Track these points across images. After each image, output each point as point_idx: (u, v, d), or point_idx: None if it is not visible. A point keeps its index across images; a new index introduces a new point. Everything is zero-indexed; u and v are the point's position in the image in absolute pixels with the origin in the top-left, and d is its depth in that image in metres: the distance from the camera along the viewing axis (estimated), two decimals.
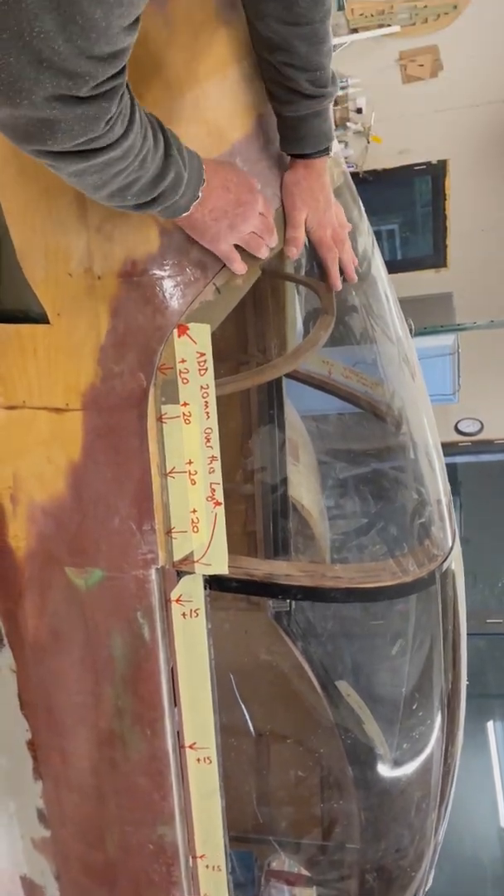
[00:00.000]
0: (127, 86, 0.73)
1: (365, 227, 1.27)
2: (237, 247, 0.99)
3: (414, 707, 1.28)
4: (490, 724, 3.85)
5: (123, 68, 0.69)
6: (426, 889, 1.38)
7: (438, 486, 1.30)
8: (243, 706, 1.52)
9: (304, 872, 1.50)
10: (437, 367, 4.58)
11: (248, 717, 1.51)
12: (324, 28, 0.92)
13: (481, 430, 5.00)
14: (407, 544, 1.23)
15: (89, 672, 1.10)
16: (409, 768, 1.30)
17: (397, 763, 1.32)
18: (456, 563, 1.27)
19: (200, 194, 0.91)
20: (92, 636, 1.08)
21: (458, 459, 4.94)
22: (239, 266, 0.99)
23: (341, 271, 1.14)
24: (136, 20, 0.65)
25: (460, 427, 4.99)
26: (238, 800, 1.15)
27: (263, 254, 1.01)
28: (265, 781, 1.55)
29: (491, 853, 3.45)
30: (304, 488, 1.67)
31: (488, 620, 4.03)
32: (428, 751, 1.27)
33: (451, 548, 1.24)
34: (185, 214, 0.92)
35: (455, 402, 4.84)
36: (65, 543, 1.05)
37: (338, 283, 1.12)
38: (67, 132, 0.68)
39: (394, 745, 1.32)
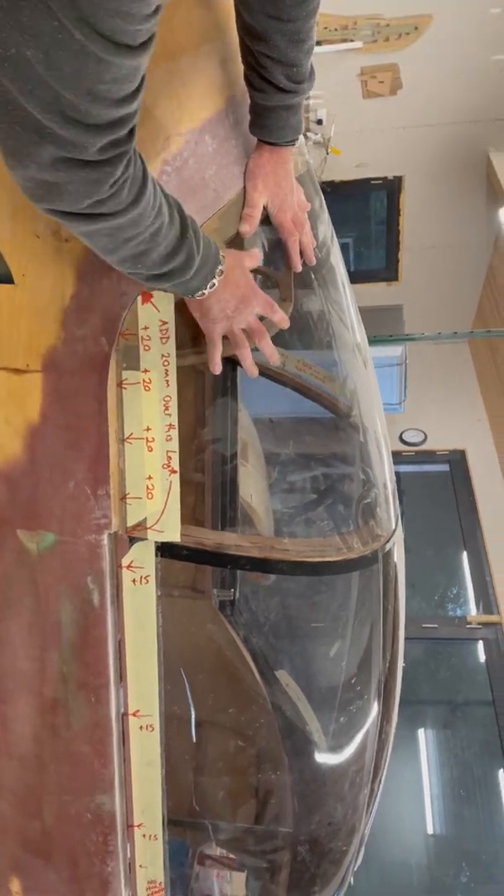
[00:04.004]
0: (140, 157, 0.78)
1: (325, 216, 1.31)
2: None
3: (352, 682, 1.32)
4: (421, 732, 3.92)
5: (130, 135, 0.72)
6: (356, 865, 1.42)
7: (385, 470, 1.35)
8: (184, 690, 1.54)
9: (234, 857, 1.52)
10: (384, 377, 4.68)
11: (189, 700, 1.53)
12: (307, 26, 0.95)
13: (425, 440, 5.12)
14: (353, 523, 1.27)
15: (36, 637, 1.10)
16: (344, 743, 1.33)
17: (334, 738, 1.36)
18: (398, 546, 1.32)
19: (217, 282, 0.97)
20: (41, 601, 1.08)
21: (402, 469, 5.05)
22: (216, 365, 1.07)
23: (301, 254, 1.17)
24: (138, 88, 0.68)
25: (405, 437, 5.10)
26: (172, 783, 1.17)
27: (248, 362, 1.09)
28: (201, 762, 1.56)
29: (418, 859, 3.51)
30: (252, 488, 1.70)
31: (424, 625, 4.12)
32: (364, 727, 1.31)
33: (395, 530, 1.29)
34: (199, 297, 0.98)
35: (401, 411, 4.95)
36: (18, 506, 1.05)
37: (298, 265, 1.16)
38: (73, 194, 0.72)
39: (331, 722, 1.36)
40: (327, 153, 4.91)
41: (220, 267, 0.97)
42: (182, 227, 0.89)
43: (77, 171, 0.70)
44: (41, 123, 0.65)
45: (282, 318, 1.09)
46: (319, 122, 4.92)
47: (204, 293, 0.98)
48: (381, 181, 5.22)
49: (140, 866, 1.19)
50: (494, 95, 4.66)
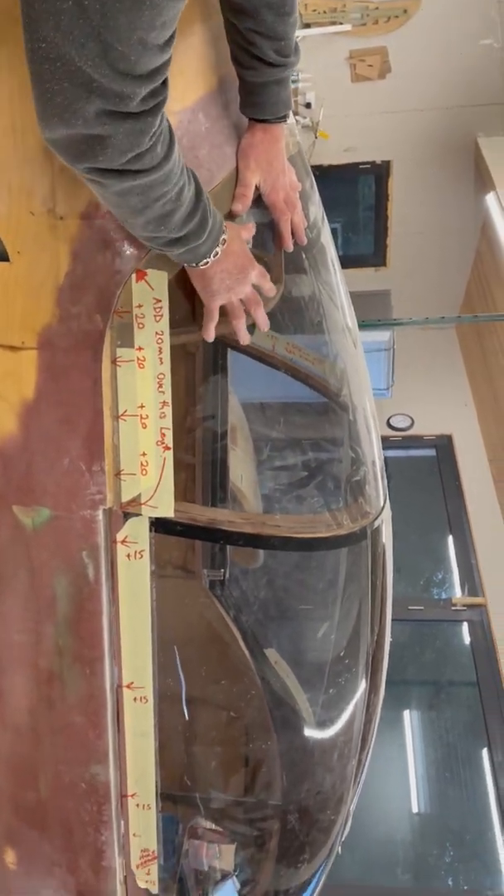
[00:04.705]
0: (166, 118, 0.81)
1: (316, 198, 1.32)
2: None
3: (341, 655, 1.35)
4: (406, 713, 3.97)
5: (165, 82, 0.75)
6: (344, 835, 1.46)
7: (374, 448, 1.38)
8: (176, 666, 1.56)
9: (224, 829, 1.55)
10: (372, 362, 4.70)
11: (180, 676, 1.56)
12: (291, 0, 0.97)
13: (412, 425, 5.15)
14: (342, 500, 1.29)
15: (32, 611, 1.12)
16: (333, 715, 1.36)
17: (323, 709, 1.39)
18: (386, 523, 1.35)
19: (219, 251, 1.00)
20: (36, 575, 1.10)
21: (389, 454, 5.08)
22: (209, 333, 1.09)
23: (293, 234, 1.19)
24: (172, 35, 0.71)
25: (392, 422, 5.13)
26: (163, 757, 1.20)
27: (242, 332, 1.11)
28: (191, 736, 1.59)
29: (403, 837, 3.57)
30: (241, 471, 1.72)
31: (410, 607, 4.17)
32: (352, 700, 1.34)
33: (383, 507, 1.31)
34: (202, 266, 1.00)
35: (388, 397, 4.98)
36: (13, 482, 1.07)
37: (289, 245, 1.17)
38: (116, 147, 0.75)
39: (321, 694, 1.39)
40: (315, 137, 4.90)
41: (223, 236, 1.00)
42: (197, 187, 0.92)
43: (121, 123, 0.73)
44: (90, 77, 0.68)
45: (271, 288, 1.12)
46: (308, 105, 4.90)
47: (208, 261, 1.00)
48: (369, 165, 5.21)
49: (133, 835, 1.22)
50: (483, 80, 4.67)
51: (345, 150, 5.12)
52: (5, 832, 1.28)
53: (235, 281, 1.05)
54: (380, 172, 5.24)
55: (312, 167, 1.38)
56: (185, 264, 1.02)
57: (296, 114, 4.92)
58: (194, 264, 1.00)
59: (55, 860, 1.26)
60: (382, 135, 4.99)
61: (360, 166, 5.22)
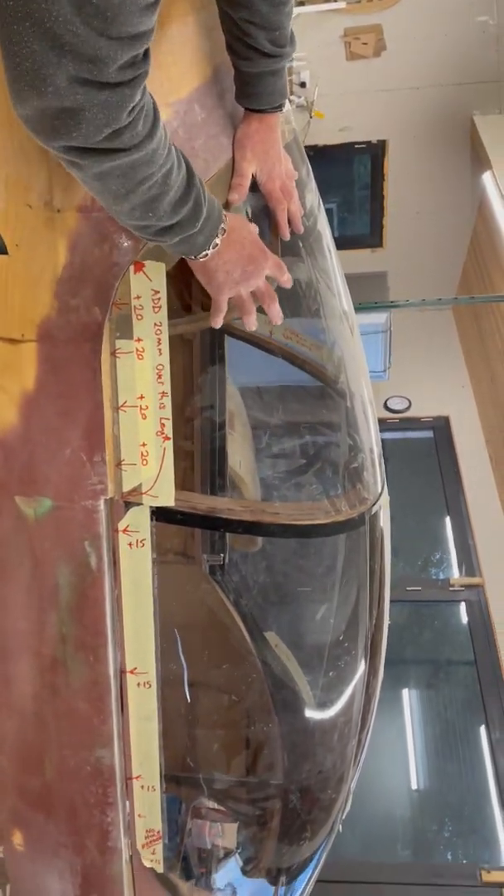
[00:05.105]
0: (150, 94, 0.76)
1: (312, 185, 1.33)
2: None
3: (340, 639, 1.37)
4: (405, 691, 4.01)
5: (146, 56, 0.70)
6: (345, 814, 1.49)
7: (371, 435, 1.39)
8: (177, 650, 1.58)
9: (227, 808, 1.59)
10: (368, 344, 4.69)
11: (182, 660, 1.58)
12: None
13: (409, 407, 5.17)
14: (340, 487, 1.31)
15: (35, 599, 1.13)
16: (333, 696, 1.39)
17: (323, 692, 1.41)
18: (384, 509, 1.36)
19: (219, 241, 0.95)
20: (39, 564, 1.11)
21: (386, 436, 5.09)
22: (217, 323, 1.05)
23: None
24: (156, 2, 0.67)
25: (389, 404, 5.14)
26: (166, 739, 1.22)
27: (251, 323, 1.07)
28: (193, 719, 1.62)
29: (402, 813, 3.62)
30: (240, 456, 1.73)
31: (408, 588, 4.20)
32: (352, 682, 1.36)
33: (381, 493, 1.33)
34: (201, 258, 0.96)
35: (385, 379, 4.98)
36: (15, 473, 1.08)
37: (286, 234, 1.18)
38: (92, 121, 0.69)
39: (321, 677, 1.41)
40: (310, 117, 4.86)
41: (222, 225, 0.96)
42: (188, 172, 0.87)
43: (96, 93, 0.67)
44: (61, 38, 0.62)
45: (288, 279, 1.08)
46: (303, 84, 4.86)
47: (207, 253, 0.95)
48: (364, 145, 5.19)
49: (139, 816, 1.25)
50: (479, 57, 4.63)
51: (340, 130, 5.08)
52: (12, 815, 1.31)
53: (244, 273, 1.01)
54: (375, 152, 5.22)
55: (307, 147, 1.38)
56: (185, 257, 0.98)
57: (290, 93, 4.89)
58: (193, 257, 0.97)
59: (62, 841, 1.28)
60: (378, 114, 4.96)
61: (356, 146, 5.19)
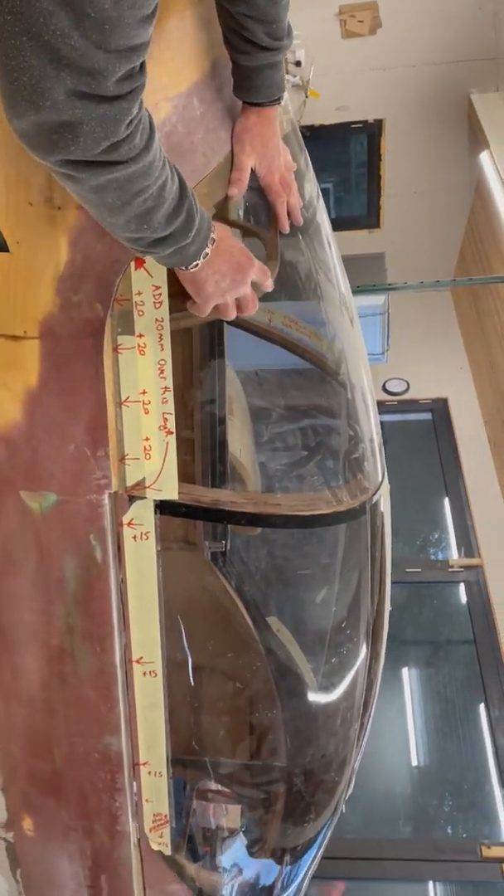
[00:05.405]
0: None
1: (311, 175, 1.33)
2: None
3: (343, 626, 1.39)
4: (405, 671, 4.06)
5: (142, 68, 0.70)
6: (348, 795, 1.52)
7: (371, 425, 1.40)
8: (181, 637, 1.61)
9: (233, 791, 1.62)
10: (367, 326, 4.70)
11: (185, 647, 1.60)
12: None
13: (407, 389, 5.17)
14: (341, 477, 1.32)
15: (42, 592, 1.15)
16: (336, 681, 1.41)
17: (326, 677, 1.44)
18: (384, 497, 1.38)
19: (209, 251, 0.95)
20: (45, 558, 1.13)
21: (385, 418, 5.10)
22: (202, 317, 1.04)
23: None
24: (152, 13, 0.66)
25: (387, 387, 5.15)
26: (172, 724, 1.25)
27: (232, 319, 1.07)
28: (198, 705, 1.64)
29: (403, 790, 3.67)
30: (239, 442, 1.74)
31: (407, 570, 4.23)
32: (354, 667, 1.39)
33: (381, 482, 1.34)
34: (192, 269, 0.95)
35: (384, 361, 4.98)
36: (20, 468, 1.09)
37: (286, 226, 1.18)
38: (90, 135, 0.69)
39: (324, 663, 1.43)
40: (306, 96, 4.81)
41: (212, 235, 0.96)
42: (181, 183, 0.87)
43: (95, 107, 0.67)
44: (59, 51, 0.62)
45: (270, 285, 1.09)
46: (298, 63, 4.80)
47: (198, 263, 0.95)
48: (361, 125, 5.13)
49: (146, 800, 1.28)
50: (476, 35, 4.57)
51: (336, 109, 5.03)
52: (23, 801, 1.34)
53: (232, 283, 1.01)
54: (372, 132, 5.17)
55: (303, 128, 1.37)
56: (176, 268, 0.97)
57: (286, 73, 4.83)
58: (184, 268, 0.96)
59: (71, 826, 1.31)
60: (374, 92, 4.90)
61: (352, 126, 5.14)
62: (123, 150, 0.73)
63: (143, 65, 0.70)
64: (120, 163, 0.74)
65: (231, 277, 1.01)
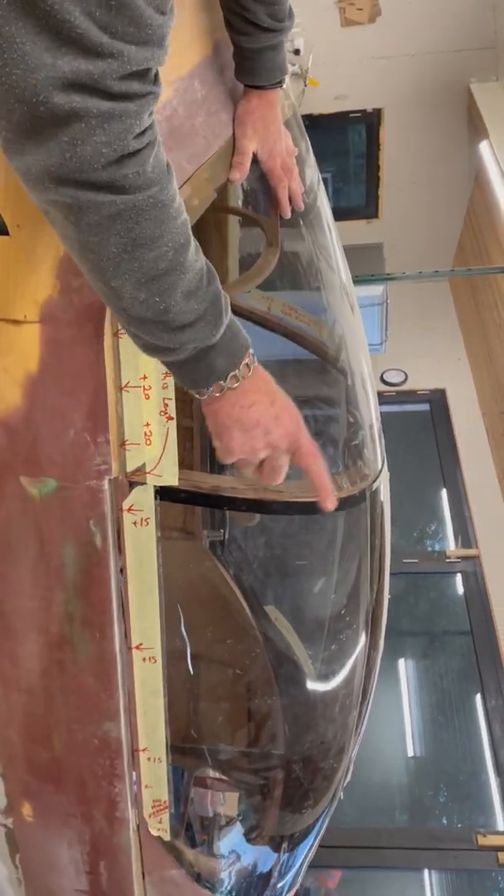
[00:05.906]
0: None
1: (311, 161, 1.32)
2: None
3: (342, 613, 1.40)
4: (401, 661, 4.07)
5: (156, 78, 0.62)
6: (346, 782, 1.53)
7: (371, 412, 1.40)
8: (179, 626, 1.61)
9: (232, 778, 1.62)
10: (365, 317, 4.68)
11: (184, 634, 1.60)
12: None
13: (405, 380, 5.17)
14: (341, 464, 1.32)
15: (41, 578, 1.15)
16: (335, 669, 1.42)
17: (325, 665, 1.44)
18: (384, 485, 1.38)
19: (241, 375, 0.74)
20: (45, 544, 1.12)
21: (383, 409, 5.10)
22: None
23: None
24: (171, 8, 0.61)
25: (385, 377, 5.15)
26: (171, 712, 1.25)
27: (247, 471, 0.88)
28: (197, 692, 1.65)
29: (399, 780, 3.69)
30: None
31: (404, 560, 4.24)
32: (353, 655, 1.39)
33: (381, 469, 1.34)
34: (216, 394, 0.74)
35: (382, 352, 4.98)
36: (20, 454, 1.08)
37: (287, 211, 1.18)
38: (89, 136, 0.59)
39: (323, 650, 1.44)
40: (305, 85, 4.78)
41: (249, 351, 0.76)
42: (209, 267, 0.72)
43: (96, 99, 0.58)
44: (60, 32, 0.53)
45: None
46: (297, 52, 4.76)
47: (223, 385, 0.75)
48: (360, 114, 5.11)
49: (146, 787, 1.28)
50: (476, 23, 4.55)
51: (335, 98, 5.01)
52: (22, 788, 1.34)
53: (268, 439, 0.78)
54: (371, 121, 5.15)
55: (302, 116, 1.36)
56: (196, 391, 0.77)
57: None
58: (207, 388, 0.75)
59: (70, 812, 1.32)
60: (373, 81, 4.88)
61: (351, 115, 5.12)
62: (131, 169, 0.63)
63: (156, 76, 0.62)
64: (127, 186, 0.63)
65: (266, 428, 0.78)
